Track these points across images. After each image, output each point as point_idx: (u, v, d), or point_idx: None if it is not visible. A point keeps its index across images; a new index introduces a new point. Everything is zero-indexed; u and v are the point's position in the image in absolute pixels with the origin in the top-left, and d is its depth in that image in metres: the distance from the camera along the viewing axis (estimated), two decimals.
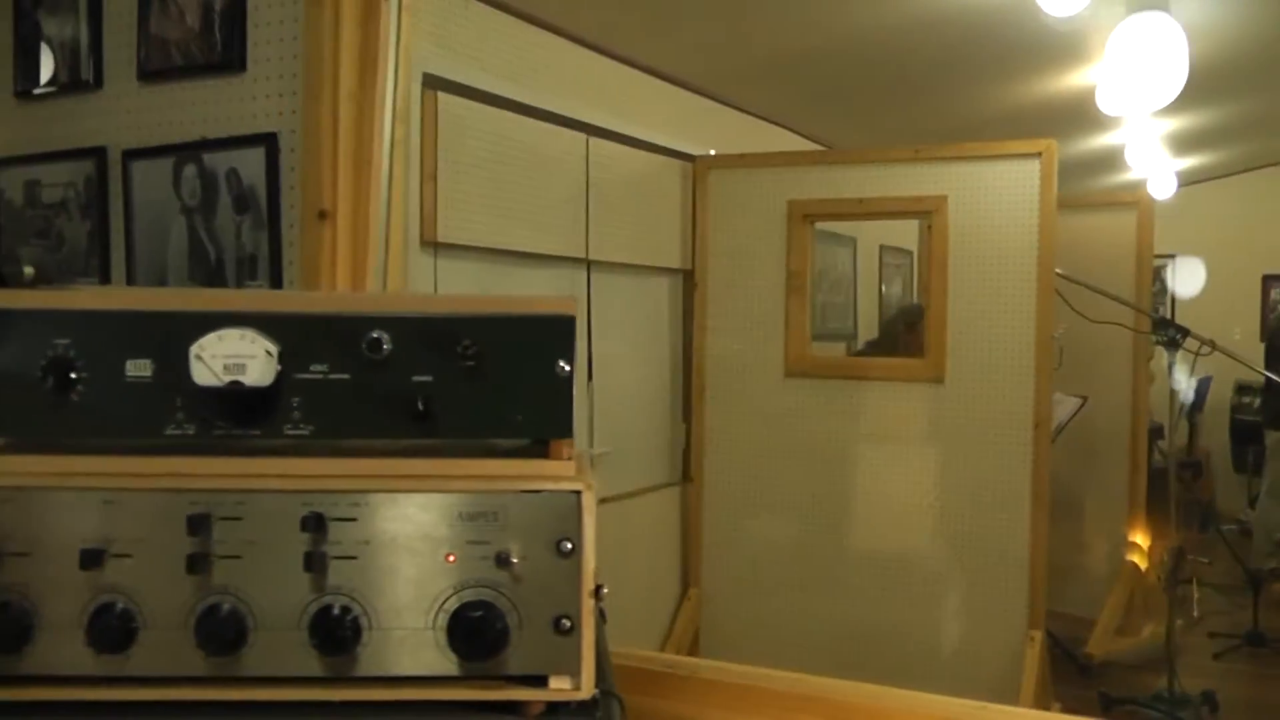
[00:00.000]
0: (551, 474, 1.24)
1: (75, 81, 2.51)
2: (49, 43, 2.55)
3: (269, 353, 1.21)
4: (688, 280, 4.77)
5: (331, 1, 2.09)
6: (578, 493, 1.23)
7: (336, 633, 1.21)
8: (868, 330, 5.93)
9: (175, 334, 1.23)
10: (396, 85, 2.15)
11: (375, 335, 1.21)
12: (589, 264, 4.18)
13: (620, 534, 4.34)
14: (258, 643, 1.23)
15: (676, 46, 4.41)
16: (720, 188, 4.67)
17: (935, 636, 4.31)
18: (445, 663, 1.23)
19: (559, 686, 1.24)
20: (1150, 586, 5.67)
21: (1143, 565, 5.70)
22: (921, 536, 4.38)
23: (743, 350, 4.64)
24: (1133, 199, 5.74)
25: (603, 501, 3.92)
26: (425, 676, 1.23)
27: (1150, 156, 6.63)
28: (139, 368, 1.24)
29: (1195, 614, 6.01)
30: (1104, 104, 4.93)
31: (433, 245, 3.27)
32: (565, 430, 1.25)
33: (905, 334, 5.16)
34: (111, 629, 1.23)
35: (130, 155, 2.41)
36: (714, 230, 4.68)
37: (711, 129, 4.96)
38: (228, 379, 1.20)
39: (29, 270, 1.36)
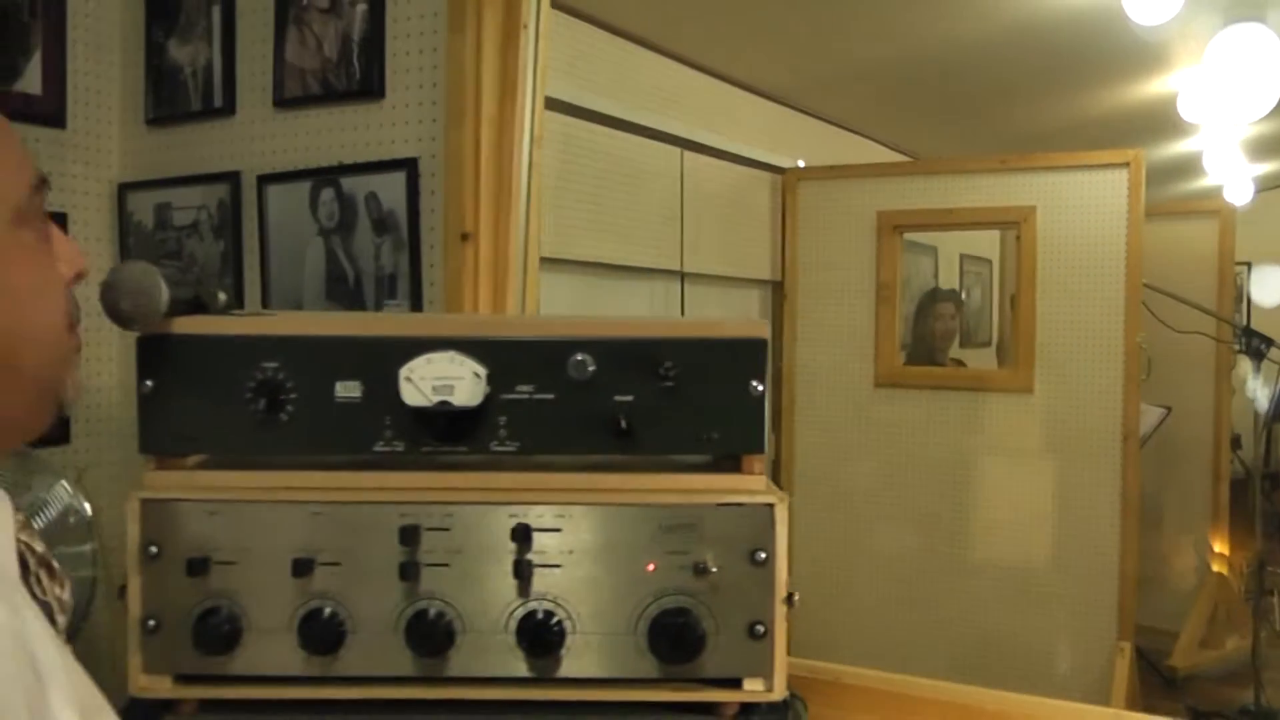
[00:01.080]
0: (746, 488, 1.31)
1: (208, 109, 2.60)
2: (181, 72, 2.64)
3: (477, 375, 1.28)
4: (777, 291, 4.82)
5: (473, 30, 2.16)
6: (771, 505, 1.29)
7: (543, 636, 1.28)
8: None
9: (384, 357, 1.30)
10: (533, 109, 2.22)
11: (580, 357, 1.28)
12: (683, 276, 4.24)
13: None
14: (464, 645, 1.30)
15: (766, 60, 4.47)
16: (810, 199, 4.72)
17: (1025, 646, 4.33)
18: (645, 666, 1.30)
19: (753, 688, 1.31)
20: (1234, 598, 5.65)
21: (1227, 577, 5.69)
22: (1011, 547, 4.39)
23: (832, 360, 4.68)
24: (1213, 207, 5.73)
25: None
26: (626, 679, 1.30)
27: (1229, 162, 6.61)
28: (348, 389, 1.32)
29: (1279, 627, 5.99)
30: (1187, 111, 4.94)
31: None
32: (758, 446, 1.31)
33: (935, 323, 5.16)
34: (321, 632, 1.31)
35: (265, 180, 2.49)
36: (803, 241, 4.73)
37: (798, 140, 5.01)
38: (436, 399, 1.27)
39: (222, 297, 1.43)
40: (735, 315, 4.61)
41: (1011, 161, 4.38)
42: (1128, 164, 4.18)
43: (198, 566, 1.32)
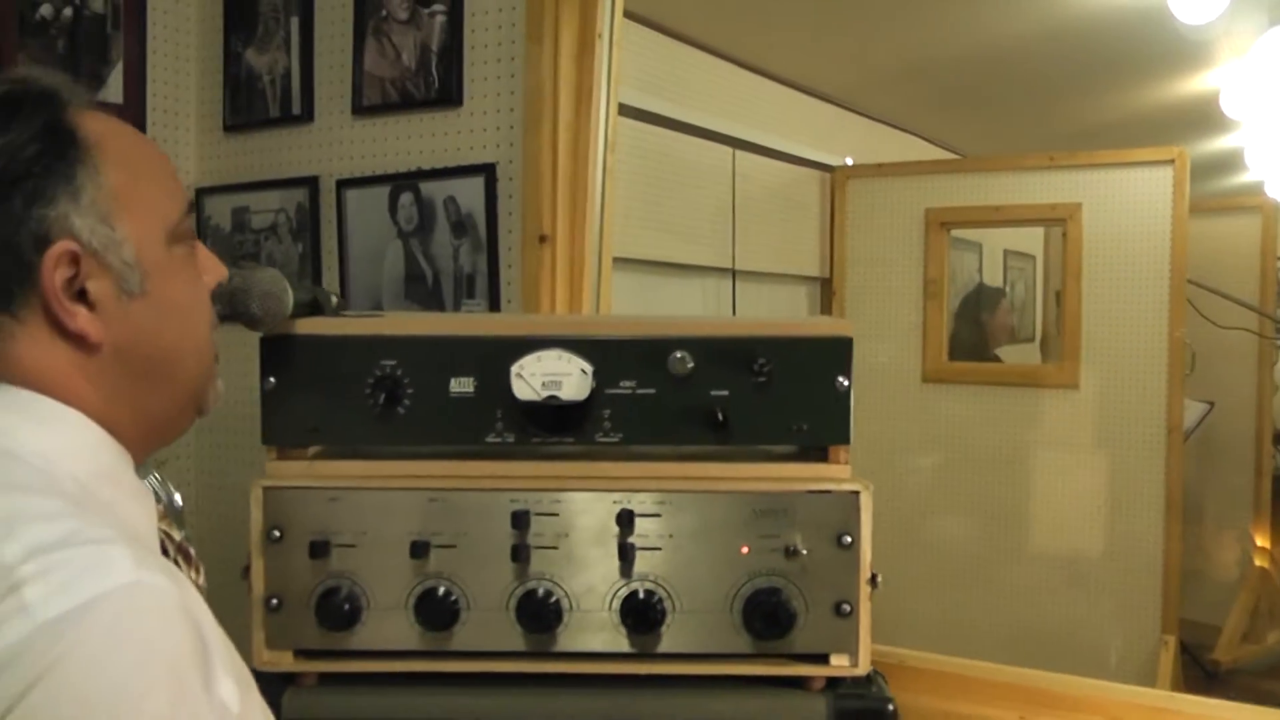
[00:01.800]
0: (832, 476, 1.41)
1: (286, 116, 2.70)
2: (259, 80, 2.75)
3: (584, 371, 1.38)
4: (825, 288, 4.89)
5: (550, 40, 2.26)
6: (857, 492, 1.39)
7: (645, 614, 1.38)
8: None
9: (496, 355, 1.40)
10: (608, 116, 2.31)
11: (680, 355, 1.38)
12: (734, 274, 4.32)
13: None
14: (571, 622, 1.40)
15: (816, 59, 4.54)
16: (858, 197, 4.78)
17: (1071, 638, 4.37)
18: (740, 641, 1.40)
19: (839, 664, 1.41)
20: (1276, 592, 5.68)
21: (1269, 571, 5.72)
22: (1056, 540, 4.44)
23: (879, 356, 4.73)
24: (1255, 203, 5.76)
25: None
26: (722, 654, 1.40)
27: (1271, 158, 6.63)
28: (462, 384, 1.42)
29: None
30: (1230, 108, 4.98)
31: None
32: (844, 437, 1.41)
33: (990, 320, 5.21)
34: (436, 609, 1.41)
35: (345, 184, 2.59)
36: (851, 238, 4.79)
37: (847, 139, 5.08)
38: (546, 394, 1.38)
39: (335, 299, 1.54)
40: (779, 312, 4.70)
41: (1058, 159, 4.42)
42: (1172, 161, 4.22)
43: (320, 549, 1.42)
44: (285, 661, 1.45)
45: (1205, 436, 5.36)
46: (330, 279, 2.64)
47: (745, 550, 1.39)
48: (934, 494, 4.61)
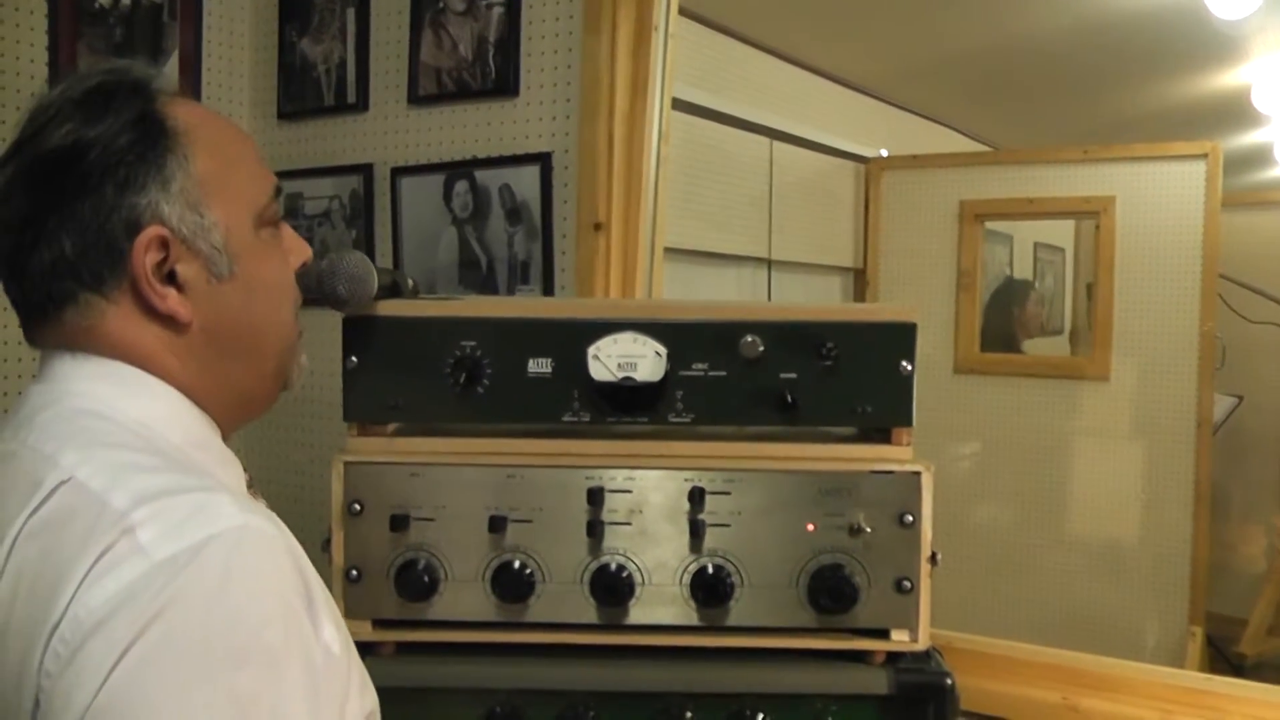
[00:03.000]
0: (896, 457, 1.46)
1: (340, 104, 2.76)
2: (314, 69, 2.80)
3: (658, 353, 1.44)
4: (859, 278, 4.92)
5: (608, 32, 2.31)
6: (918, 473, 1.44)
7: (715, 589, 1.44)
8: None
9: (573, 337, 1.46)
10: (662, 107, 2.37)
11: (750, 339, 1.43)
12: (770, 263, 4.36)
13: None
14: (643, 596, 1.46)
15: (852, 51, 4.57)
16: (893, 188, 4.81)
17: (1096, 631, 4.39)
18: (804, 616, 1.45)
19: (900, 639, 1.46)
20: None
21: None
22: (1085, 530, 4.48)
23: None
24: None
25: None
26: (787, 627, 1.46)
27: None
28: (540, 365, 1.48)
29: None
30: (1262, 103, 5.00)
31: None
32: (907, 420, 1.47)
33: (1020, 314, 5.23)
34: (512, 582, 1.47)
35: (399, 172, 2.65)
36: (885, 229, 4.82)
37: (882, 130, 5.11)
38: (621, 375, 1.43)
39: (411, 282, 1.59)
40: (813, 302, 4.73)
41: (1092, 152, 4.44)
42: (1206, 155, 4.25)
43: (399, 522, 1.48)
44: (364, 631, 1.51)
45: (1233, 430, 5.37)
46: (384, 265, 2.69)
47: (811, 528, 1.44)
48: (966, 483, 4.64)
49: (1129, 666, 2.04)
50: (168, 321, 1.08)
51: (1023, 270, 6.05)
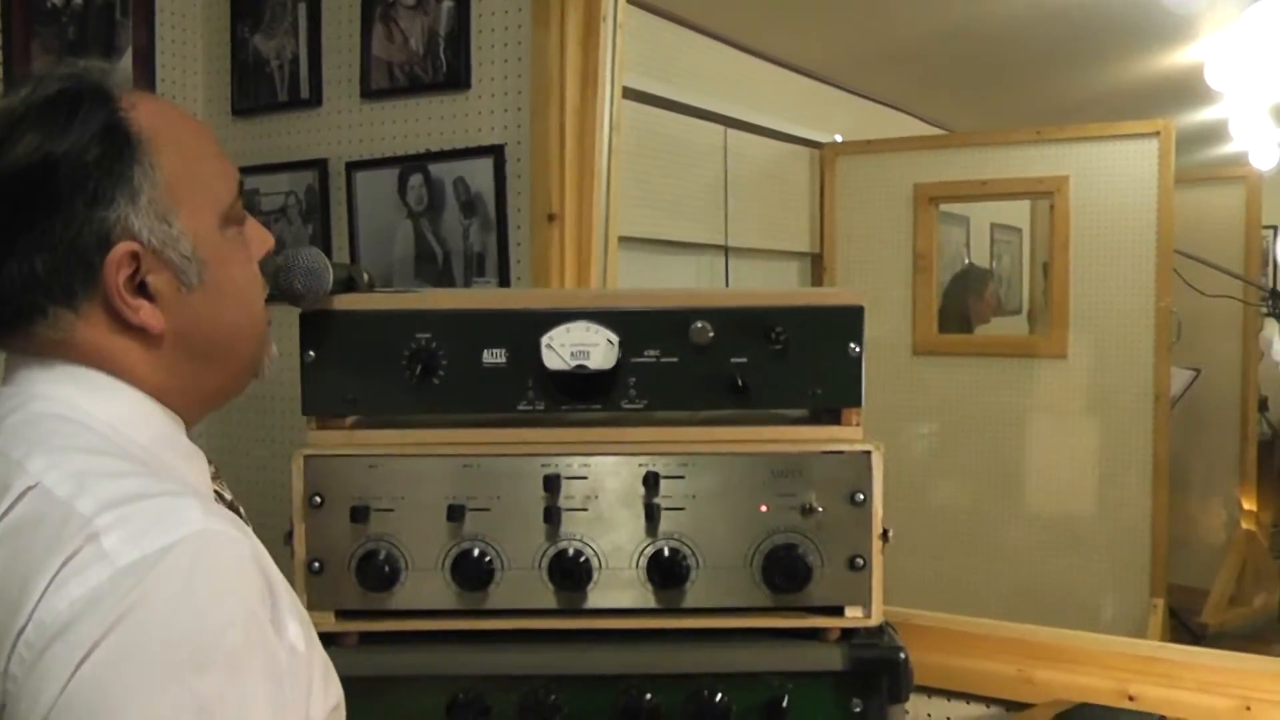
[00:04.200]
0: (846, 438, 1.49)
1: (294, 100, 2.76)
2: (267, 65, 2.80)
3: (610, 341, 1.46)
4: (816, 263, 4.94)
5: (557, 24, 2.33)
6: (868, 452, 1.47)
7: (671, 571, 1.46)
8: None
9: (526, 327, 1.48)
10: (613, 97, 2.38)
11: (700, 324, 1.46)
12: (727, 250, 4.38)
13: None
14: (601, 580, 1.48)
15: (803, 37, 4.58)
16: (847, 173, 4.83)
17: (1058, 605, 4.41)
18: (759, 595, 1.48)
19: (853, 615, 1.49)
20: (1262, 556, 5.76)
21: (1256, 534, 5.79)
22: (1045, 506, 4.51)
23: (871, 330, 4.77)
24: (1240, 173, 5.81)
25: None
26: (743, 607, 1.48)
27: (1255, 129, 6.70)
28: (494, 356, 1.50)
29: None
30: (1214, 80, 5.04)
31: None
32: (856, 401, 1.50)
33: (976, 302, 5.26)
34: (472, 570, 1.49)
35: (354, 166, 2.65)
36: (841, 214, 4.84)
37: (836, 116, 5.12)
38: (574, 364, 1.46)
39: (366, 276, 1.61)
40: (770, 288, 4.76)
41: (1046, 133, 4.47)
42: (1158, 133, 4.28)
43: (359, 513, 1.50)
44: (327, 622, 1.52)
45: (1192, 403, 5.43)
46: (340, 259, 2.70)
47: (764, 509, 1.47)
48: (926, 462, 4.67)
49: (1082, 637, 2.08)
50: (139, 333, 1.08)
51: (980, 250, 6.09)
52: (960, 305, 5.27)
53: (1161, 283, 4.27)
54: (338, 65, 2.68)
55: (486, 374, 1.50)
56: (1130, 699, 1.93)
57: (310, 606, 1.51)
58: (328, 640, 1.53)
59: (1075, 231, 4.39)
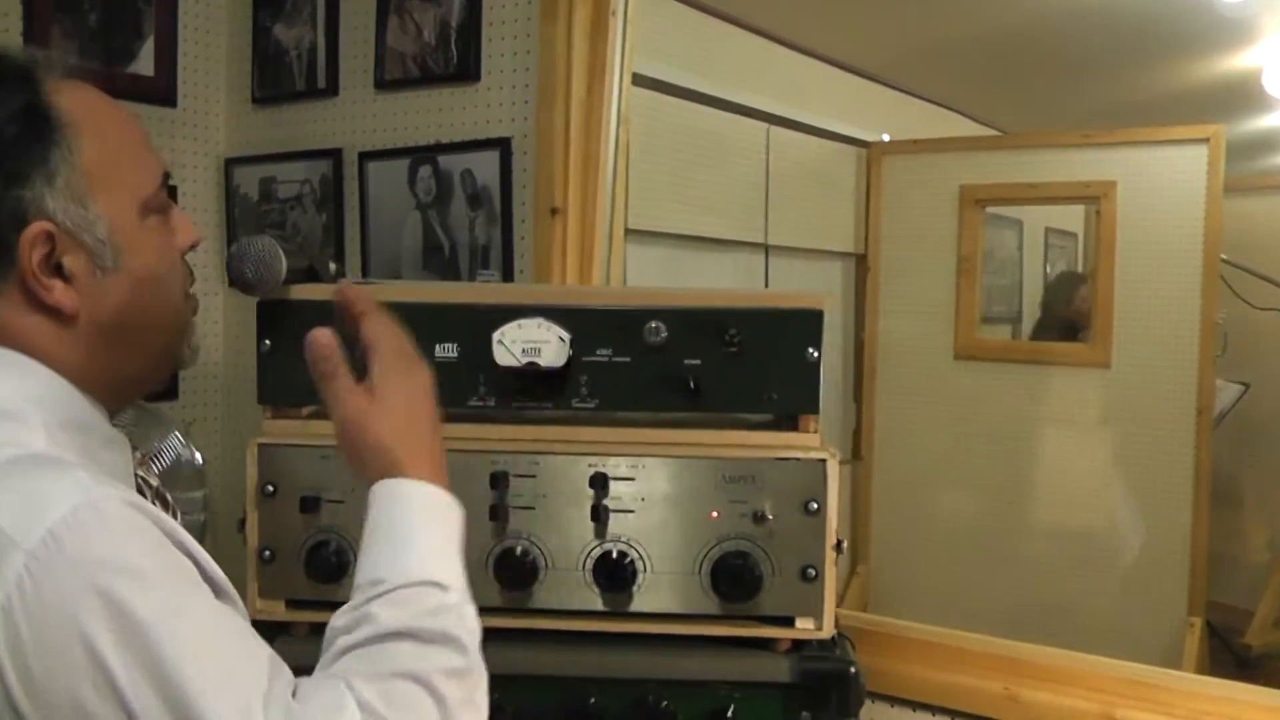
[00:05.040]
0: (801, 444, 1.46)
1: (312, 89, 2.77)
2: (286, 54, 2.81)
3: (562, 339, 1.44)
4: (860, 264, 4.88)
5: (564, 17, 2.30)
6: (823, 461, 1.43)
7: (617, 574, 1.44)
8: (1032, 312, 5.97)
9: (478, 322, 1.46)
10: (621, 91, 2.36)
11: (654, 324, 1.43)
12: (767, 249, 4.34)
13: None
14: (547, 580, 1.46)
15: (852, 34, 4.52)
16: (894, 173, 4.76)
17: (1095, 618, 4.33)
18: (708, 603, 1.45)
19: (804, 626, 1.45)
20: None
21: None
22: (1085, 518, 4.42)
23: (913, 333, 4.72)
24: None
25: None
26: (691, 614, 1.45)
27: None
28: (445, 350, 1.48)
29: None
30: (1272, 86, 4.93)
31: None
32: (813, 407, 1.46)
33: (1081, 305, 5.14)
34: None
35: (366, 156, 2.65)
36: (887, 215, 4.78)
37: (884, 114, 5.05)
38: (525, 360, 1.43)
39: (334, 267, 1.60)
40: (813, 287, 4.70)
41: (1094, 136, 4.39)
42: (1208, 139, 4.18)
43: (310, 504, 1.49)
44: (278, 611, 1.52)
45: (1240, 418, 5.31)
46: (352, 249, 2.70)
47: (715, 515, 1.44)
48: (963, 470, 4.60)
49: (1073, 657, 2.02)
50: (54, 313, 1.09)
51: (1033, 256, 6.00)
52: (1064, 311, 5.17)
53: (1208, 293, 4.18)
54: (354, 55, 2.69)
55: (438, 368, 1.45)
56: None
57: (262, 595, 1.52)
58: (278, 629, 1.53)
59: (1121, 238, 4.30)
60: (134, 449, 1.22)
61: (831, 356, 4.80)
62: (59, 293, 1.08)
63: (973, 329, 4.64)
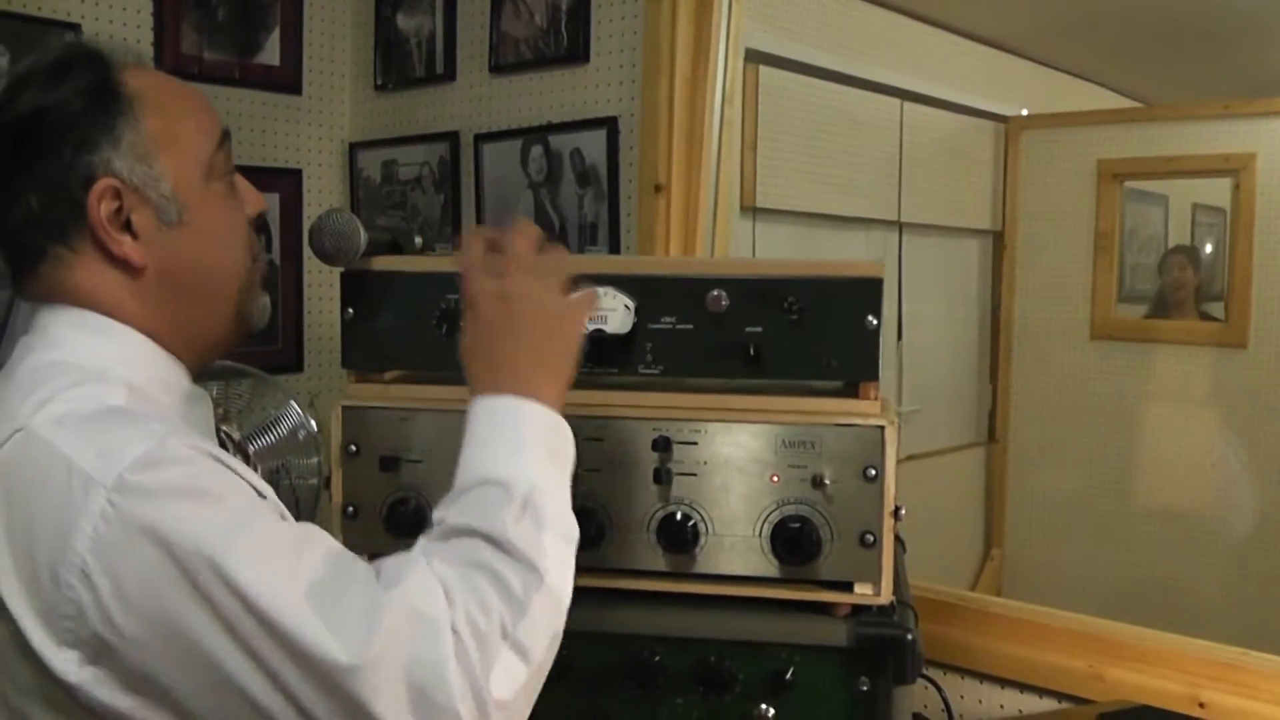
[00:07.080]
0: (860, 411, 1.47)
1: (430, 75, 2.86)
2: (407, 42, 2.91)
3: (628, 307, 1.48)
4: (997, 241, 4.83)
5: None
6: (882, 428, 1.45)
7: (680, 536, 1.47)
8: None
9: None
10: (726, 68, 2.39)
11: (716, 293, 1.47)
12: (900, 226, 4.32)
13: (925, 492, 4.38)
14: (613, 540, 1.51)
15: (987, 6, 4.45)
16: (1032, 148, 4.69)
17: (1219, 599, 4.21)
18: (768, 566, 1.48)
19: (863, 592, 1.47)
20: None
21: None
22: (1222, 500, 4.30)
23: (1049, 312, 4.65)
24: None
25: (909, 459, 4.00)
26: (750, 576, 1.49)
27: None
28: None
29: None
30: None
31: (752, 210, 3.47)
32: (872, 374, 1.48)
33: (1167, 276, 4.99)
34: None
35: (481, 138, 2.74)
36: (1024, 191, 4.71)
37: (1022, 88, 4.95)
38: (592, 328, 1.47)
39: (419, 240, 1.67)
40: (948, 265, 4.67)
41: (1233, 107, 4.27)
42: None
43: (389, 464, 1.56)
44: None
45: None
46: (469, 228, 2.78)
47: (775, 479, 1.46)
48: (1099, 449, 4.51)
49: (1160, 637, 2.00)
50: (125, 266, 1.19)
51: (1180, 233, 5.84)
52: (1161, 283, 5.03)
53: None
54: (470, 42, 2.78)
55: None
56: (1201, 705, 1.85)
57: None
58: None
59: (1261, 213, 4.18)
60: (216, 405, 1.31)
61: (967, 334, 4.76)
62: (128, 246, 1.18)
63: (1109, 308, 4.55)
